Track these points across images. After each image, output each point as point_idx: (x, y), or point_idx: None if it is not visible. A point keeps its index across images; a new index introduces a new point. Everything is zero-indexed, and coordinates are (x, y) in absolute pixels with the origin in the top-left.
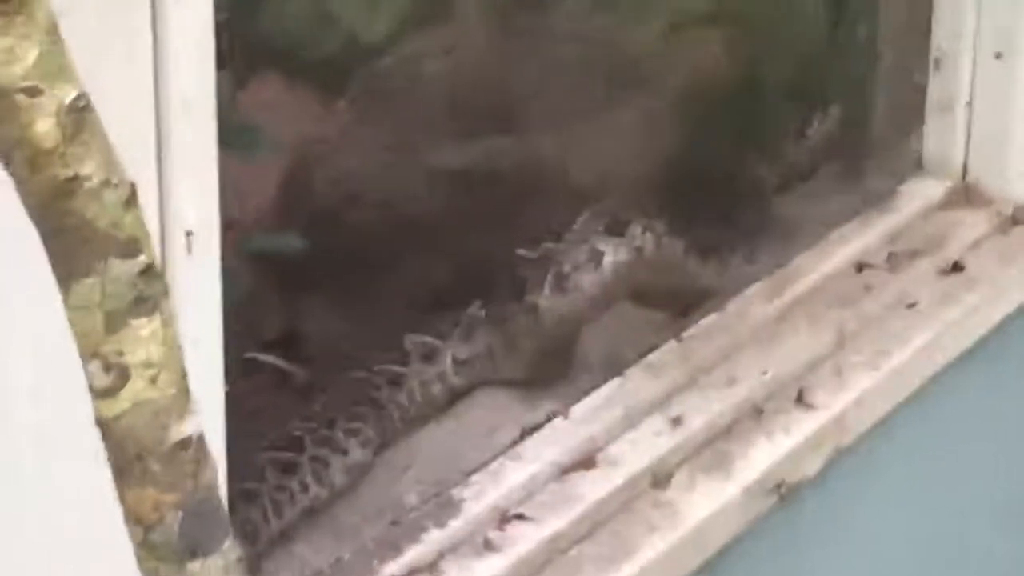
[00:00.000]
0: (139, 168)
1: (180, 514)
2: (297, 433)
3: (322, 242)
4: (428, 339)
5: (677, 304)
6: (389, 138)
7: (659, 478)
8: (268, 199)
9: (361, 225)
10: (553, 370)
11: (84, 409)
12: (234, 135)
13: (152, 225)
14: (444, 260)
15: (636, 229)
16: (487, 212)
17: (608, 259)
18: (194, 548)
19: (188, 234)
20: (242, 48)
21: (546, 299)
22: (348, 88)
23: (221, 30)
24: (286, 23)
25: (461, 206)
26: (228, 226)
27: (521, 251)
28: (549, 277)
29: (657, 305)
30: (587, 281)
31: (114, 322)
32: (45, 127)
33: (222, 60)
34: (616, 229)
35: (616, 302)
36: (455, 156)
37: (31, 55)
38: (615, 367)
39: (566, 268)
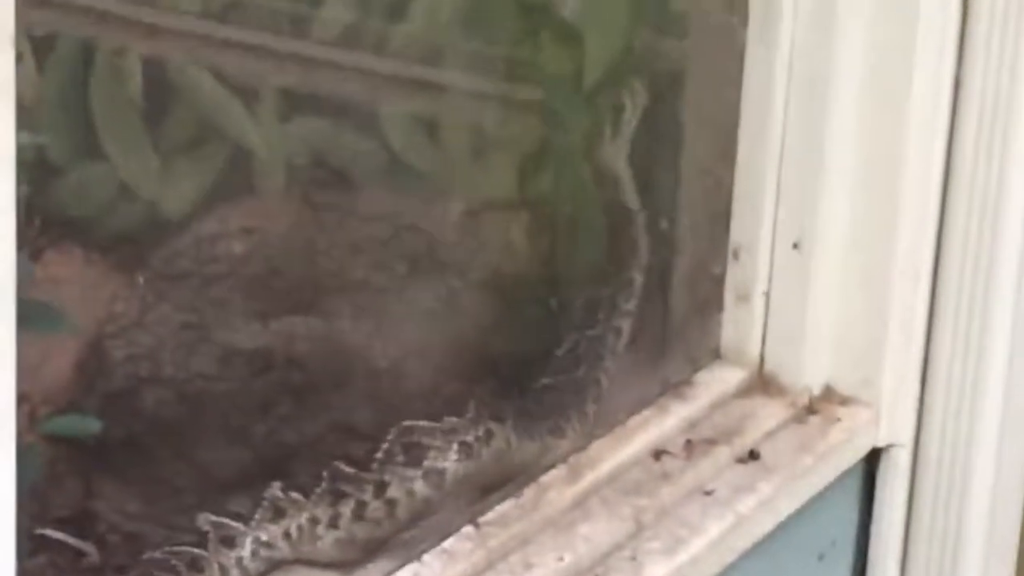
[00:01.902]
0: None
1: None
2: None
3: (119, 420)
4: (226, 521)
5: (473, 488)
6: (188, 316)
7: None
8: (63, 376)
9: (158, 404)
10: (351, 554)
11: None
12: (32, 313)
13: None
14: (243, 441)
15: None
16: (287, 392)
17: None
18: None
19: None
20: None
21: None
22: (147, 264)
23: (20, 204)
24: (85, 196)
25: (260, 386)
26: (21, 401)
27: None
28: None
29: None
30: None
31: None
32: None
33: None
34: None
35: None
36: (254, 336)
37: None
38: (412, 552)
39: (378, 452)
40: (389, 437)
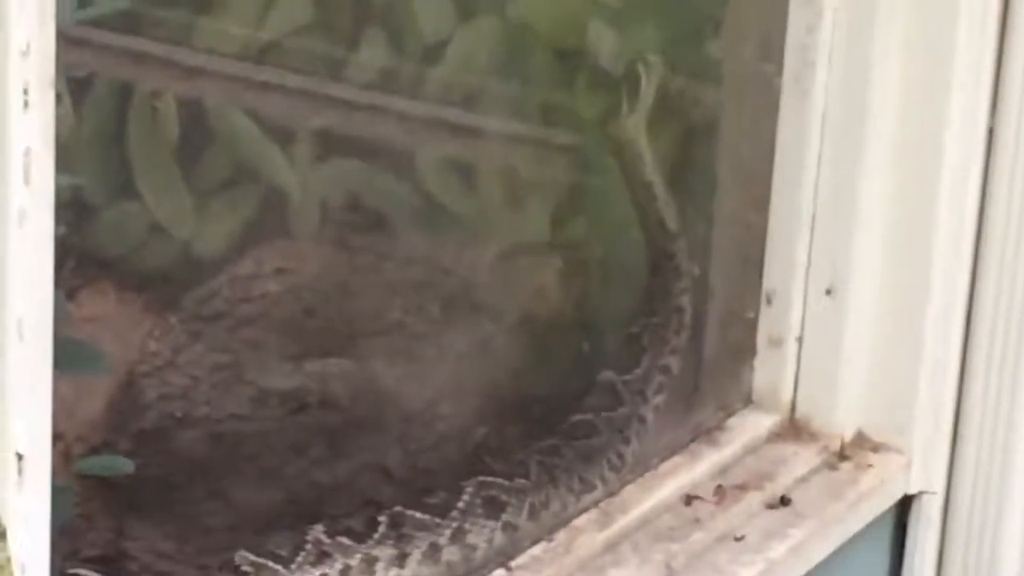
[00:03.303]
0: None
1: None
2: None
3: (152, 460)
4: (263, 561)
5: (508, 527)
6: (221, 356)
7: None
8: (97, 414)
9: (192, 444)
10: None
11: None
12: (69, 352)
13: None
14: (277, 481)
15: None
16: (321, 434)
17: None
18: None
19: (19, 456)
20: (76, 261)
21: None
22: (181, 304)
23: (56, 244)
24: (120, 235)
25: (293, 427)
26: (55, 439)
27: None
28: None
29: None
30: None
31: None
32: None
33: (56, 275)
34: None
35: None
36: (287, 377)
37: None
38: None
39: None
40: (468, 490)
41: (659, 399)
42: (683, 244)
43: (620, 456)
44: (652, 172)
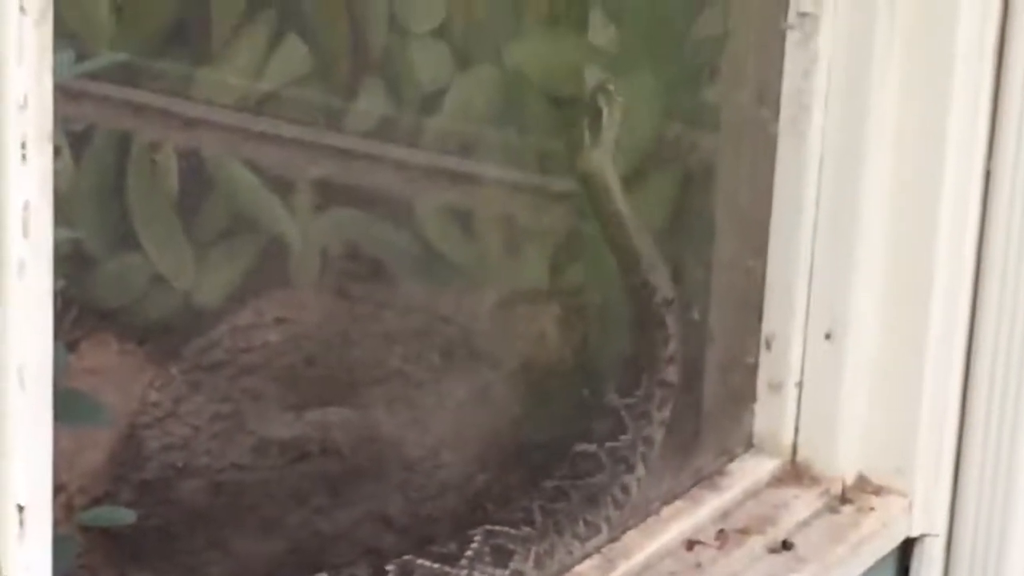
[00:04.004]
0: None
1: None
2: None
3: (153, 510)
4: None
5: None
6: (222, 406)
7: None
8: (99, 465)
9: (193, 494)
10: None
11: None
12: (70, 404)
13: None
14: (279, 531)
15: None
16: (322, 483)
17: None
18: None
19: (20, 508)
20: (77, 313)
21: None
22: (182, 354)
23: (55, 296)
24: (121, 286)
25: (294, 476)
26: (57, 491)
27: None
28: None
29: None
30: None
31: None
32: None
33: (57, 326)
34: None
35: None
36: (288, 426)
37: None
38: None
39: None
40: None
41: (647, 453)
42: (673, 306)
43: (614, 506)
44: (621, 203)
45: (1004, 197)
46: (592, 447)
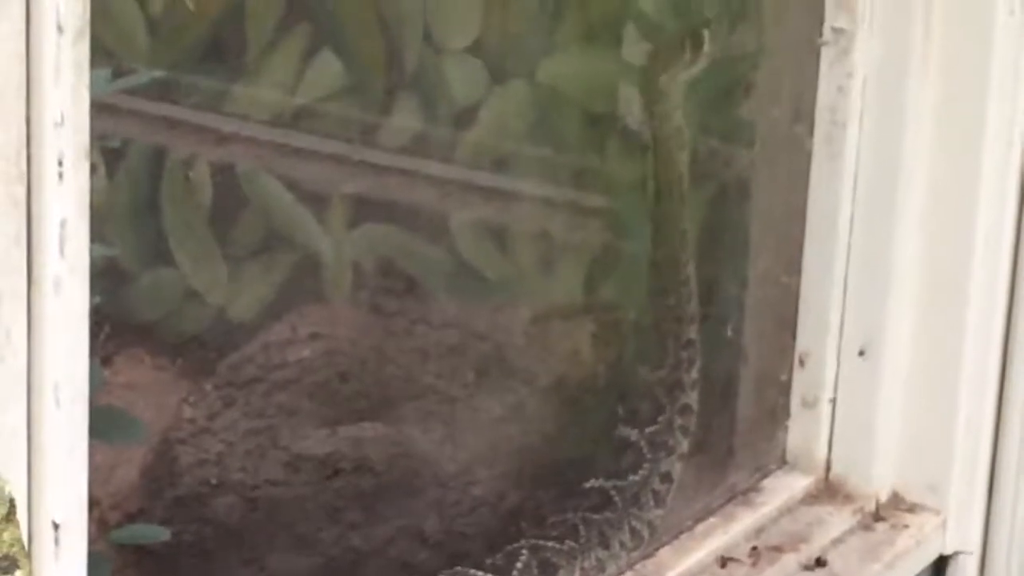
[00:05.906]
0: (8, 457)
1: None
2: None
3: (187, 527)
4: None
5: None
6: (256, 422)
7: None
8: (133, 482)
9: (227, 510)
10: None
11: None
12: (106, 420)
13: (18, 514)
14: (313, 547)
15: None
16: (356, 499)
17: None
18: None
19: (56, 526)
20: (111, 329)
21: None
22: (215, 370)
23: (90, 312)
24: (155, 302)
25: (329, 492)
26: (91, 507)
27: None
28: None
29: None
30: None
31: None
32: None
33: (91, 342)
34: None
35: None
36: (322, 442)
37: None
38: None
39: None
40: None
41: (680, 469)
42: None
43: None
44: (680, 128)
45: None
46: (633, 434)
